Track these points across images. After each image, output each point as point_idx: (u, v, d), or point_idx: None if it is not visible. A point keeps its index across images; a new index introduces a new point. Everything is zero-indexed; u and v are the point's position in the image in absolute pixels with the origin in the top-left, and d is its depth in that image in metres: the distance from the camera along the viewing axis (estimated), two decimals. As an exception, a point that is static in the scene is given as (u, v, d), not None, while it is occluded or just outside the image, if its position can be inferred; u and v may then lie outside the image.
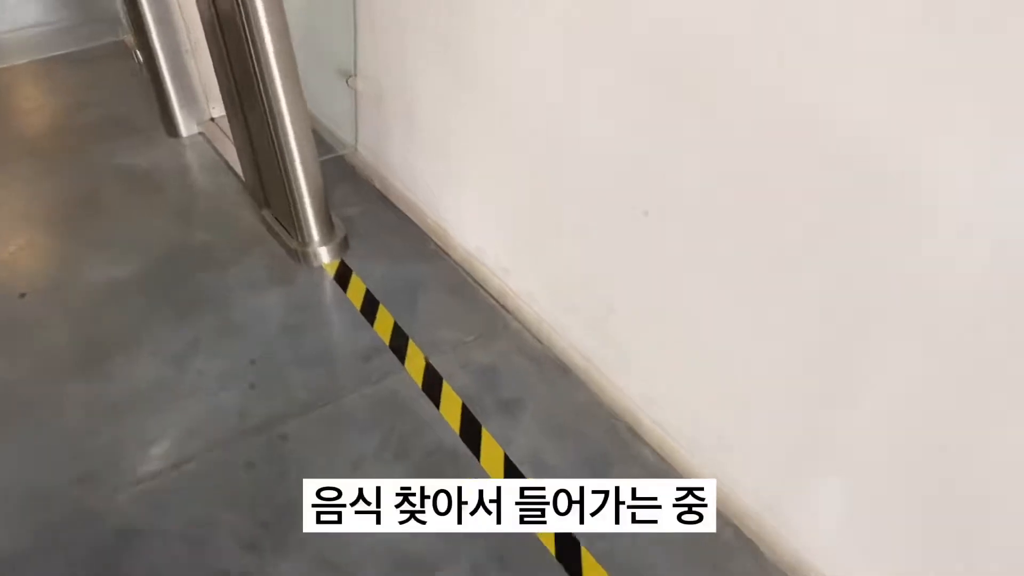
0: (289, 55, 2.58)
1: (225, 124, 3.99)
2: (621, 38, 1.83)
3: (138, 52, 4.79)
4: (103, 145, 3.95)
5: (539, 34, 2.11)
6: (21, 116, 4.38)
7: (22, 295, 2.98)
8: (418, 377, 2.54)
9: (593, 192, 2.16)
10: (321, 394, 2.49)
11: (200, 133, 4.00)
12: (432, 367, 2.57)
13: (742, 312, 1.83)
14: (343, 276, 3.01)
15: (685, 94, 1.72)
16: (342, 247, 3.12)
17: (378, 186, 3.50)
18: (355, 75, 3.42)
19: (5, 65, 5.00)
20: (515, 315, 2.75)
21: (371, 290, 2.93)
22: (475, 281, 2.93)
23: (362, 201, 3.45)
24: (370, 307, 2.85)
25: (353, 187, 3.54)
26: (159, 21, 3.67)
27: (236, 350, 2.68)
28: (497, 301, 2.83)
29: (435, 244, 3.16)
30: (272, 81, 2.58)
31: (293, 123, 2.72)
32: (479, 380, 2.52)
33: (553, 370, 2.56)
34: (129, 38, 5.01)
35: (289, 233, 3.15)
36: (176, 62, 3.81)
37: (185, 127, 3.98)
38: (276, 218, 3.26)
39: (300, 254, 3.08)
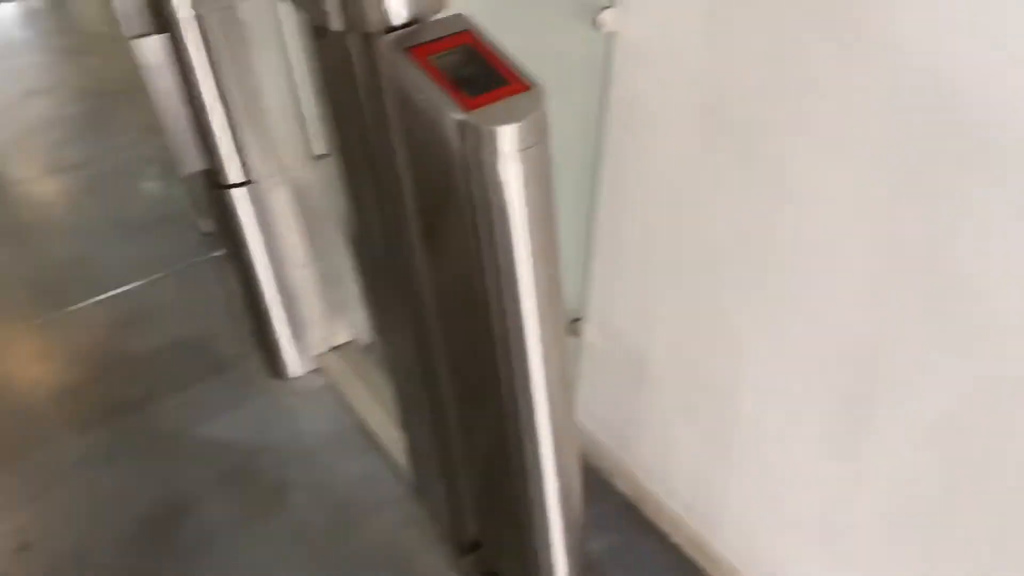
0: (557, 296, 1.30)
1: (355, 356, 2.76)
2: None
3: (201, 223, 3.59)
4: (178, 397, 2.70)
5: None
6: (54, 342, 3.12)
7: None
8: None
9: None
10: None
11: (317, 370, 2.76)
12: None
13: None
14: None
15: None
16: (612, 646, 1.87)
17: (626, 492, 2.24)
18: (582, 319, 2.20)
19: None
20: None
21: None
22: None
23: (605, 520, 2.17)
24: None
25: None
26: (262, 224, 2.45)
27: None
28: None
29: (761, 628, 1.90)
30: (520, 335, 1.27)
31: (556, 431, 1.43)
32: None
33: None
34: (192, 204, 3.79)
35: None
36: (284, 277, 2.59)
37: (296, 363, 2.74)
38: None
39: (548, 670, 1.82)
